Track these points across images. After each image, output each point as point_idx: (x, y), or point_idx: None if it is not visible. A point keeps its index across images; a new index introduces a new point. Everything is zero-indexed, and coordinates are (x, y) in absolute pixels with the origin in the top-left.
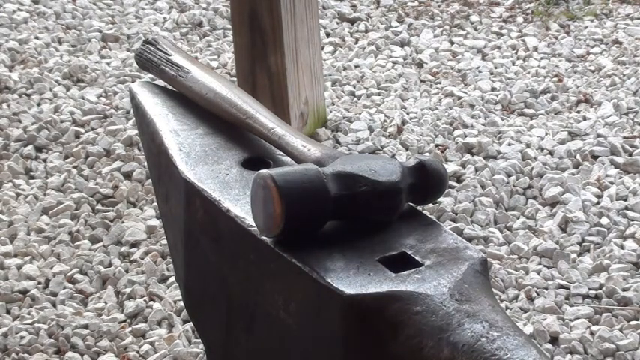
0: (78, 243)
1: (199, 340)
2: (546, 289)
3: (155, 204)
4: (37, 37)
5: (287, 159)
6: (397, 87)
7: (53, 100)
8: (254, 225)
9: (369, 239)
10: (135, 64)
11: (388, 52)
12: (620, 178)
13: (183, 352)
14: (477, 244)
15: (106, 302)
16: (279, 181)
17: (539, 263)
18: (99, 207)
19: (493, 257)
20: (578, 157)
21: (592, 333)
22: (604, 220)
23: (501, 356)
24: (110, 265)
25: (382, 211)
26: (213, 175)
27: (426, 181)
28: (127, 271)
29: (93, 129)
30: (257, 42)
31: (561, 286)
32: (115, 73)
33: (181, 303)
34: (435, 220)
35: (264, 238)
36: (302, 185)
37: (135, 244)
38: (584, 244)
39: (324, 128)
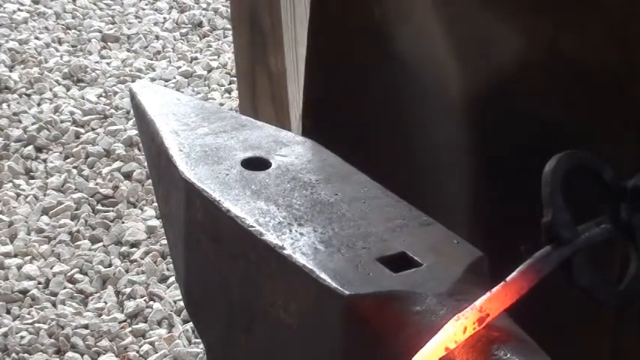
0: (78, 243)
1: (199, 340)
2: None
3: (155, 204)
4: (37, 37)
5: (287, 159)
6: None
7: (53, 100)
8: (254, 225)
9: (369, 239)
10: (135, 64)
11: None
12: None
13: (183, 352)
14: None
15: (106, 302)
16: None
17: None
18: (99, 207)
19: None
20: None
21: None
22: None
23: (501, 356)
24: (110, 265)
25: None
26: (213, 175)
27: None
28: (127, 271)
29: (93, 129)
30: (257, 42)
31: None
32: (115, 73)
33: (181, 303)
34: (434, 220)
35: (264, 238)
36: None
37: (135, 244)
38: None
39: None
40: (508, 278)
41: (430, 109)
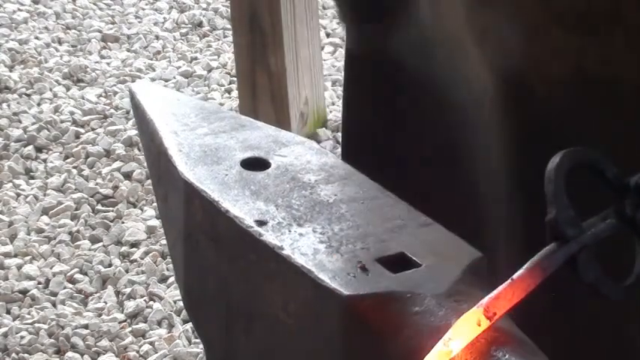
0: (78, 243)
1: (199, 340)
2: None
3: (155, 204)
4: (37, 37)
5: (287, 160)
6: None
7: (53, 100)
8: (253, 225)
9: (368, 239)
10: (135, 64)
11: None
12: None
13: (183, 352)
14: None
15: (106, 302)
16: None
17: None
18: (99, 207)
19: None
20: None
21: None
22: None
23: (500, 357)
24: (110, 265)
25: None
26: (212, 175)
27: None
28: (127, 271)
29: (93, 129)
30: (257, 42)
31: None
32: (115, 73)
33: (181, 303)
34: (434, 220)
35: (263, 238)
36: None
37: (135, 244)
38: None
39: (324, 128)
40: (514, 276)
41: (469, 130)
